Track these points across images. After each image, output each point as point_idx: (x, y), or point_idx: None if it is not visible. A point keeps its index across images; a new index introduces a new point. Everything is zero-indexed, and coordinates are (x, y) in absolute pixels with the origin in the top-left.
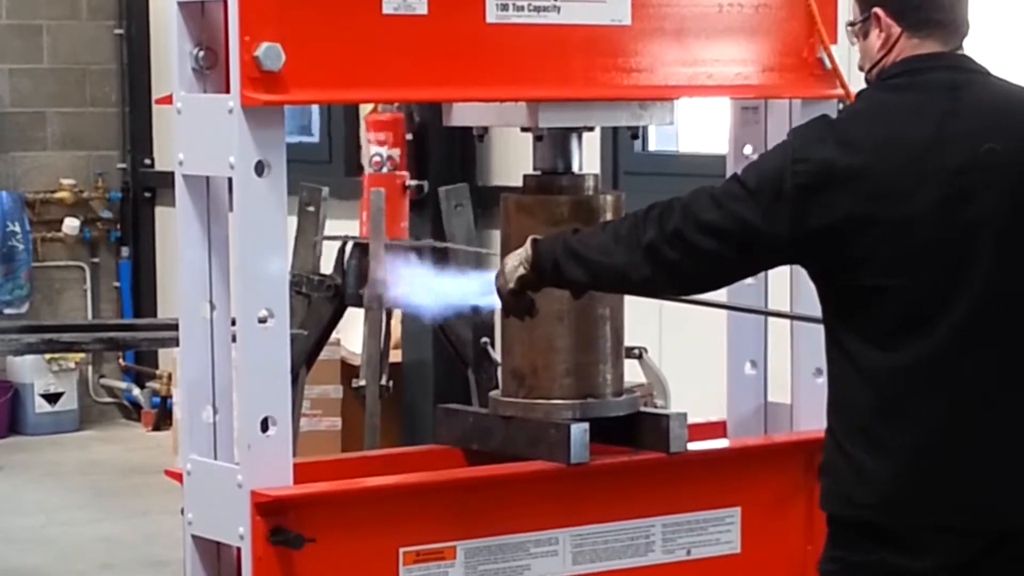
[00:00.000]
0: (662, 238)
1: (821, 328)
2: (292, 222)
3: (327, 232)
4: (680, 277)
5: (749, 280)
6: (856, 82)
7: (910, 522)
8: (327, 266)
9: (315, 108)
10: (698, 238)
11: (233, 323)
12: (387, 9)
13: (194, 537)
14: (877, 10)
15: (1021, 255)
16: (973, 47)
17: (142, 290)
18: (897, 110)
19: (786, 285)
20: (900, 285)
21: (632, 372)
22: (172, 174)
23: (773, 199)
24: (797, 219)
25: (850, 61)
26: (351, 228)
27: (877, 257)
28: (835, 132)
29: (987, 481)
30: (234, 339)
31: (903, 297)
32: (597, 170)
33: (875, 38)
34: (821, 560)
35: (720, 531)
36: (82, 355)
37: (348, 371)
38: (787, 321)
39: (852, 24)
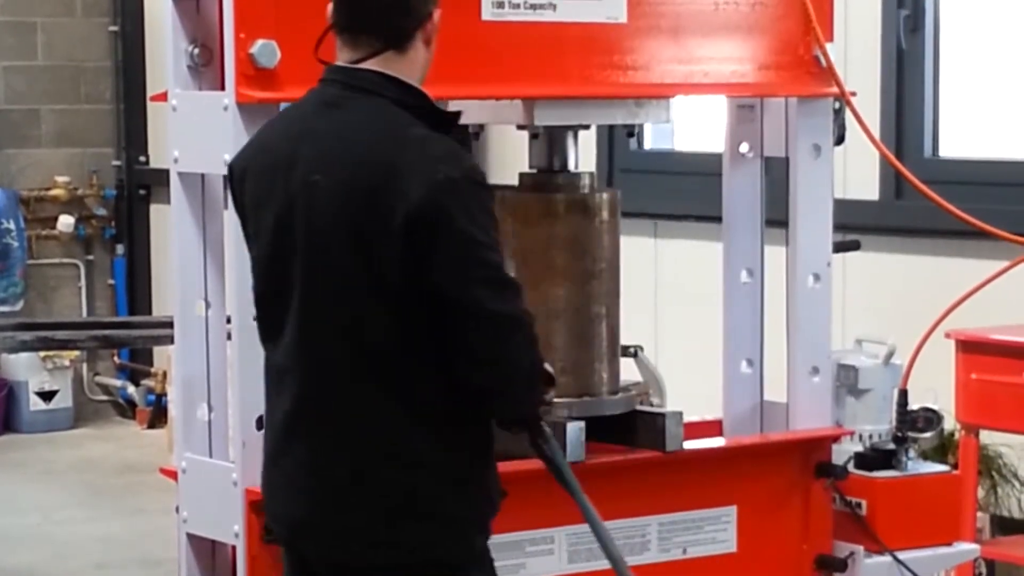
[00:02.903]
0: None
1: (819, 327)
2: None
3: None
4: None
5: (744, 277)
6: (853, 80)
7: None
8: None
9: None
10: None
11: (228, 321)
12: None
13: (189, 535)
14: None
15: (325, 293)
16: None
17: (137, 288)
18: (288, 119)
19: (782, 283)
20: (260, 292)
21: (628, 370)
22: (167, 171)
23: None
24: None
25: (846, 59)
26: None
27: (253, 259)
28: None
29: (302, 498)
30: (229, 337)
31: (262, 305)
32: (593, 168)
33: None
34: None
35: (716, 530)
36: (77, 353)
37: None
38: (783, 320)
39: None
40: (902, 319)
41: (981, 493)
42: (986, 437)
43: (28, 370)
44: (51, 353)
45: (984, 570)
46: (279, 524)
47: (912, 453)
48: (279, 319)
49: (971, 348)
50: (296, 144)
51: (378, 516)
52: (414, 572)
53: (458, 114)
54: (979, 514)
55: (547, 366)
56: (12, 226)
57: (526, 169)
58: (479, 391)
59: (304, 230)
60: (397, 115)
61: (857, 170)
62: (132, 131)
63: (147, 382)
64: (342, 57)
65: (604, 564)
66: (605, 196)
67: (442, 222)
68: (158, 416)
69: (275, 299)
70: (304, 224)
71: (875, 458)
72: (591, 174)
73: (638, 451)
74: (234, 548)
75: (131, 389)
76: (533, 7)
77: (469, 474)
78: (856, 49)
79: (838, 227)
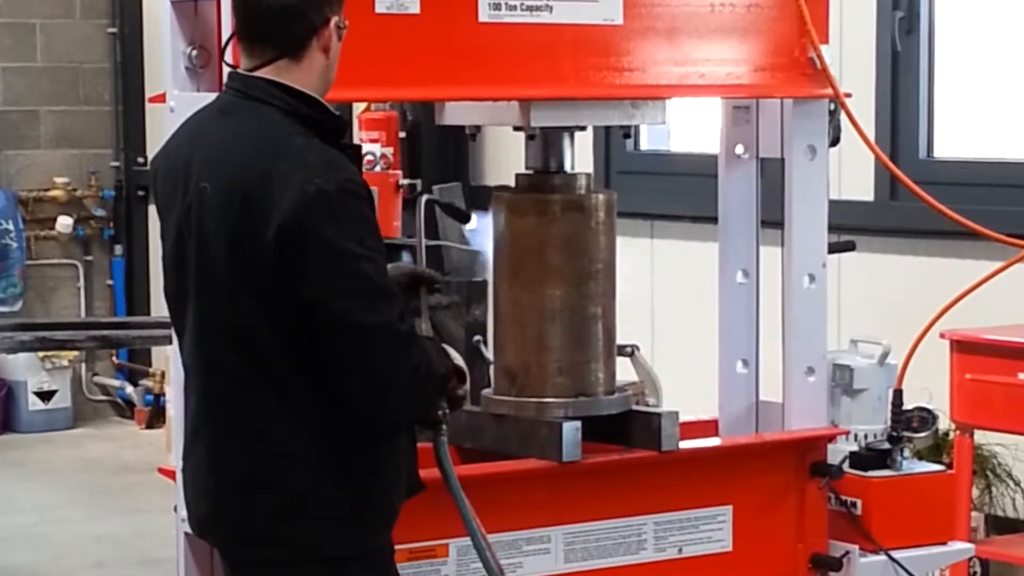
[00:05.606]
0: None
1: (814, 327)
2: None
3: None
4: None
5: (740, 278)
6: (848, 81)
7: None
8: None
9: None
10: None
11: None
12: (380, 8)
13: (187, 535)
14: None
15: (213, 299)
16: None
17: (135, 288)
18: (191, 123)
19: (777, 284)
20: (167, 293)
21: (624, 370)
22: None
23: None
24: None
25: (841, 61)
26: None
27: (162, 260)
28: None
29: (205, 494)
30: None
31: (170, 305)
32: (589, 169)
33: None
34: None
35: (712, 529)
36: (75, 353)
37: None
38: (779, 320)
39: None
40: (897, 319)
41: (975, 492)
42: (980, 437)
43: (27, 370)
44: (50, 353)
45: (978, 569)
46: (190, 516)
47: (907, 453)
48: (182, 321)
49: (965, 348)
50: (192, 150)
51: (268, 515)
52: (302, 568)
53: (346, 123)
54: (973, 513)
55: (458, 361)
56: (11, 227)
57: (522, 170)
58: (357, 399)
59: (195, 237)
60: (282, 125)
61: (852, 171)
62: (131, 132)
63: (145, 382)
64: (242, 64)
65: (601, 563)
66: (601, 197)
67: (311, 234)
68: (156, 416)
69: (178, 301)
70: (196, 231)
71: (870, 458)
72: (587, 175)
73: (634, 451)
74: None
75: (129, 389)
76: (529, 9)
77: (359, 473)
78: (851, 51)
79: (833, 228)
